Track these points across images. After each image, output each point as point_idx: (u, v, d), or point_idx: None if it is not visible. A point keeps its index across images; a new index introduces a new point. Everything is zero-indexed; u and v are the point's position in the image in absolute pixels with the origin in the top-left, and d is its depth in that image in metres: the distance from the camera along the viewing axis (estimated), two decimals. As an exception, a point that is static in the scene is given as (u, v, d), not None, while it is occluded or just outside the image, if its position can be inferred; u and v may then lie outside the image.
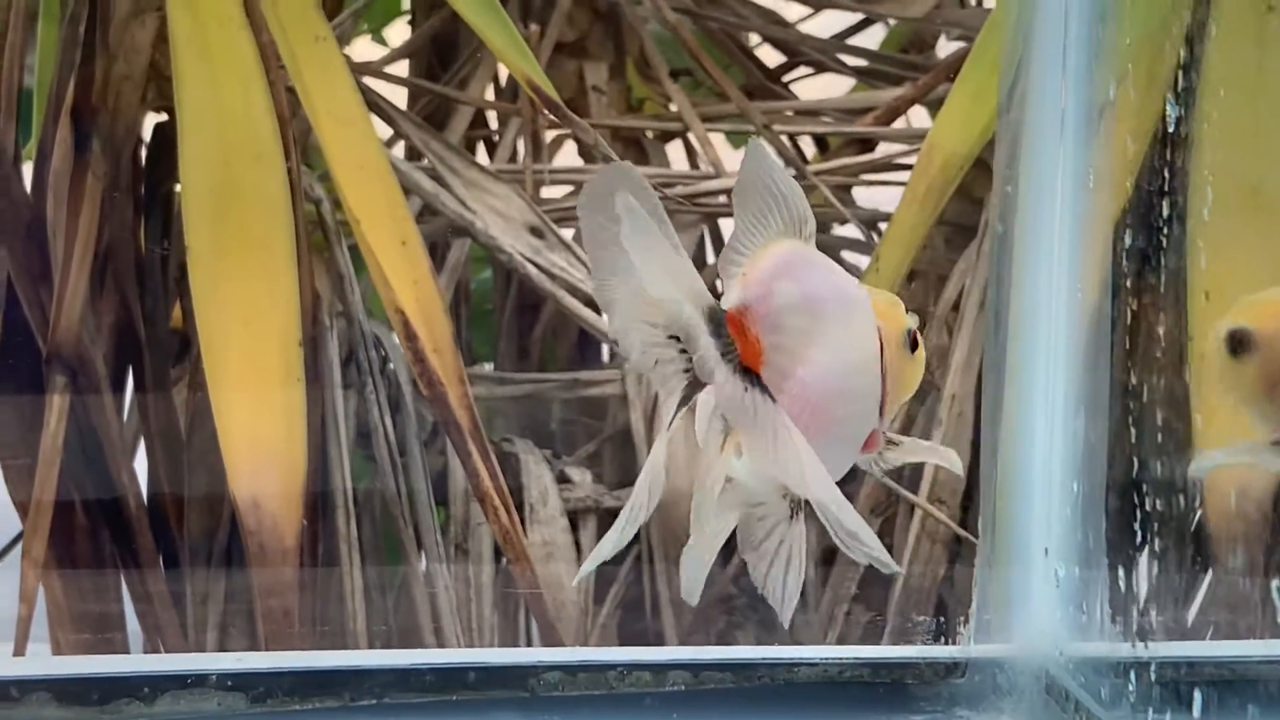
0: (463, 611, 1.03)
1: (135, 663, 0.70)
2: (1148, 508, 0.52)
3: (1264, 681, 0.55)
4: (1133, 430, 0.53)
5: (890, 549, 1.09)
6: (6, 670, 0.57)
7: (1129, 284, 0.55)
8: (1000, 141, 0.73)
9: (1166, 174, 0.52)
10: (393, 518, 1.03)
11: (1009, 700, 0.62)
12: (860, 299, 0.52)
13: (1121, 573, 0.55)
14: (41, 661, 0.77)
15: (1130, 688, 0.53)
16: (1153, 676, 0.52)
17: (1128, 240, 0.55)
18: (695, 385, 0.51)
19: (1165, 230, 0.52)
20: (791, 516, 0.53)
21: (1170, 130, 0.52)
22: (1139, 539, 0.53)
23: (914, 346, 0.53)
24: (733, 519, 0.53)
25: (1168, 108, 0.52)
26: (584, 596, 1.06)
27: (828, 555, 1.14)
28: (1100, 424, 0.58)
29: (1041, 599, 0.61)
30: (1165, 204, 0.52)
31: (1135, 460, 0.53)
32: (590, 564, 0.52)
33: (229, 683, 0.58)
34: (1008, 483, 0.63)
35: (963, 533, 1.00)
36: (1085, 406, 0.59)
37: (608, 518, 1.09)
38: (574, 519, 1.09)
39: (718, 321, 0.50)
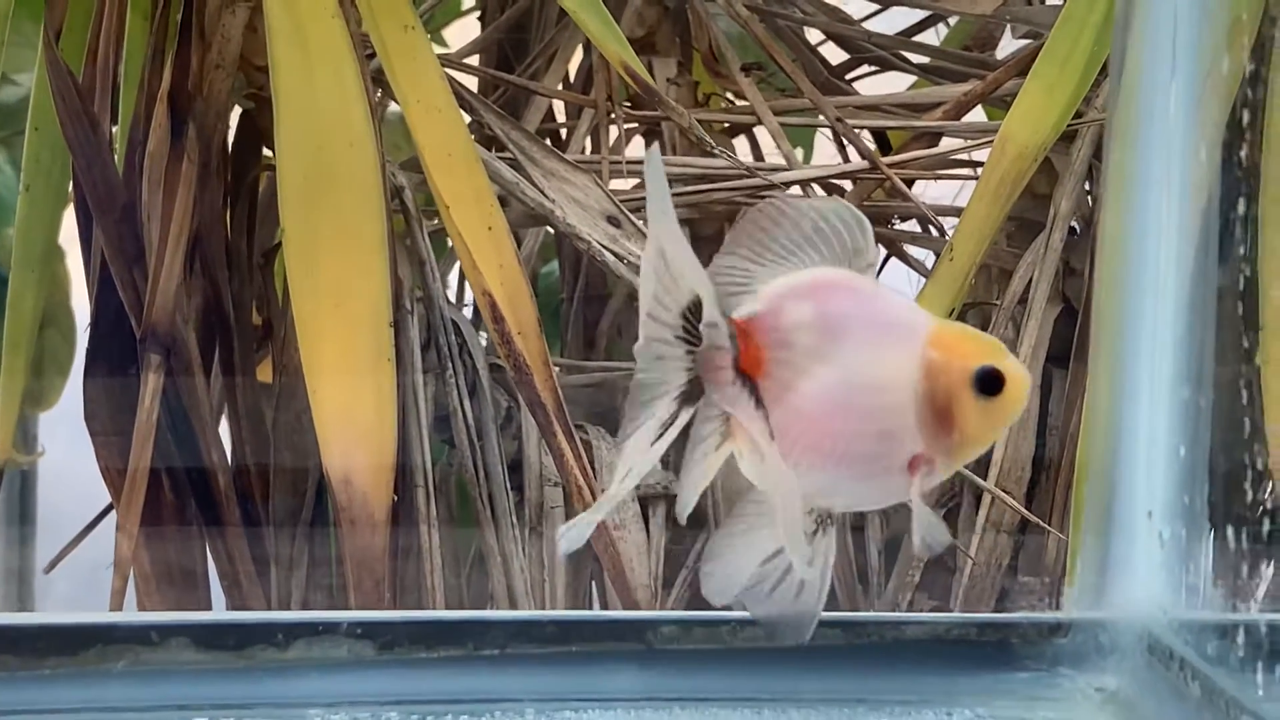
0: (536, 592, 1.05)
1: (269, 612, 0.72)
2: (1258, 468, 0.54)
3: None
4: (1244, 393, 0.55)
5: (955, 534, 1.11)
6: (146, 616, 0.59)
7: (1241, 251, 0.57)
8: (1109, 119, 0.74)
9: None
10: (469, 499, 1.05)
11: (1112, 659, 0.63)
12: (902, 326, 0.52)
13: (1229, 534, 0.56)
14: (181, 611, 0.79)
15: (1237, 646, 0.55)
16: (1262, 634, 0.54)
17: (1241, 208, 0.57)
18: (695, 385, 0.53)
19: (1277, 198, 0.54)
20: (817, 531, 0.54)
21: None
22: (1249, 499, 0.55)
23: (991, 387, 0.51)
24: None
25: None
26: (654, 580, 1.08)
27: (892, 543, 1.15)
28: (1207, 389, 0.60)
29: (1145, 562, 0.63)
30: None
31: (1247, 422, 0.55)
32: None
33: (359, 630, 0.60)
34: (1111, 448, 0.65)
35: (1033, 518, 1.02)
36: (1192, 372, 0.61)
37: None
38: (644, 504, 1.10)
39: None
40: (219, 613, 0.65)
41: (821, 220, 0.53)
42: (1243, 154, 0.56)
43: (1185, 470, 0.60)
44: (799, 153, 1.44)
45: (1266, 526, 0.55)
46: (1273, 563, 0.56)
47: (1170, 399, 0.61)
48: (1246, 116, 0.56)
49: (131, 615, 0.66)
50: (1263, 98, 0.58)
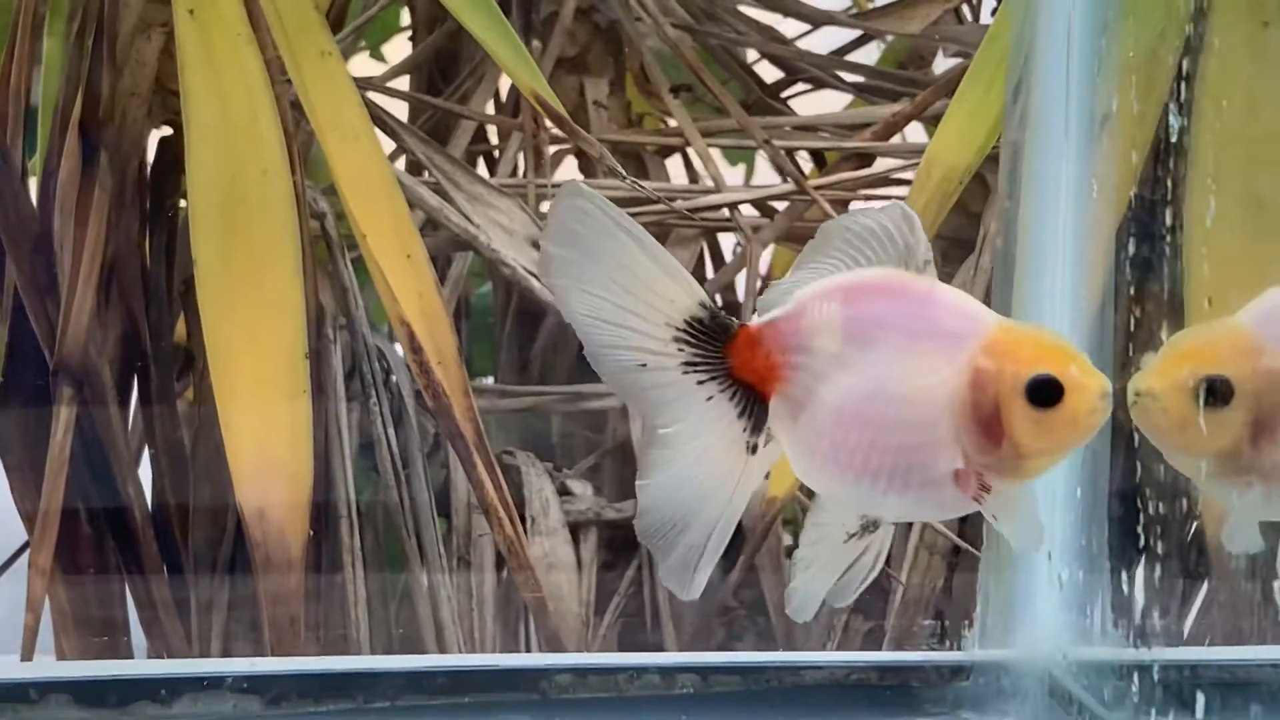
0: (464, 622, 1.04)
1: (152, 666, 0.70)
2: (1150, 512, 0.53)
3: (1266, 684, 0.56)
4: (1136, 436, 0.54)
5: (888, 560, 1.11)
6: (25, 672, 0.58)
7: (1131, 292, 0.56)
8: (1003, 155, 0.74)
9: (1169, 183, 0.53)
10: (395, 529, 1.04)
11: (1013, 703, 0.63)
12: (948, 333, 0.49)
13: (1124, 577, 0.56)
14: (60, 665, 0.77)
15: (1133, 690, 0.54)
16: (1155, 679, 0.53)
17: (1131, 249, 0.56)
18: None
19: (1168, 239, 0.53)
20: (856, 534, 0.53)
21: (1173, 140, 0.53)
22: (1141, 543, 0.54)
23: (1046, 397, 0.48)
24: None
25: (1170, 118, 0.54)
26: (585, 607, 1.06)
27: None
28: (1103, 431, 0.59)
29: (1045, 603, 0.62)
30: (1168, 213, 0.53)
31: (1139, 466, 0.54)
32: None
33: (244, 685, 0.58)
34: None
35: (961, 543, 1.01)
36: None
37: (608, 530, 1.10)
38: (575, 531, 1.09)
39: (698, 330, 0.51)
40: (99, 666, 0.64)
41: (874, 224, 0.50)
42: (1147, 193, 0.55)
43: (1083, 513, 0.59)
44: (741, 169, 1.43)
45: (1159, 571, 0.54)
46: (1169, 606, 0.55)
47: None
48: (1137, 158, 0.56)
49: (11, 671, 0.65)
50: (1180, 142, 0.58)
